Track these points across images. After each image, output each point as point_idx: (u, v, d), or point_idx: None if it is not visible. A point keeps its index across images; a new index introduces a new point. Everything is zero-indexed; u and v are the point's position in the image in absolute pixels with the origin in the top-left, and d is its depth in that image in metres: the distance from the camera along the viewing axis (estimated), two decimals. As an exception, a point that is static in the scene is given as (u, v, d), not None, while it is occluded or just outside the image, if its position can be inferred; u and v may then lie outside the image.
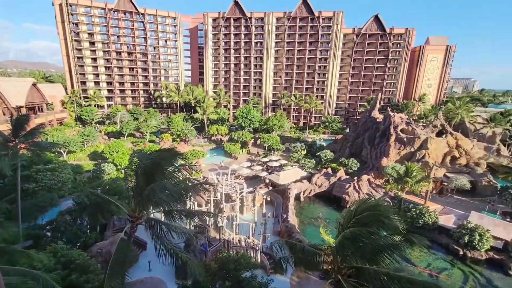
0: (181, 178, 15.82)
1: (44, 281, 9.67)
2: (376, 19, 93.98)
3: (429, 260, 29.18)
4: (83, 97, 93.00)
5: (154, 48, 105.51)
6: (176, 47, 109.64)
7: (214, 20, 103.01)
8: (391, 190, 39.37)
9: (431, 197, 40.71)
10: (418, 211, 33.12)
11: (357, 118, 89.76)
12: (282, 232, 31.39)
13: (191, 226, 28.29)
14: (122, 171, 44.05)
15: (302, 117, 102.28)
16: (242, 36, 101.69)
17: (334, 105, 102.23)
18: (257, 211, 36.07)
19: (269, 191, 43.15)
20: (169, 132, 70.65)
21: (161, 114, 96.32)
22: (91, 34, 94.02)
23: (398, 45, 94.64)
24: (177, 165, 15.59)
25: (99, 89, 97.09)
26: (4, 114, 60.33)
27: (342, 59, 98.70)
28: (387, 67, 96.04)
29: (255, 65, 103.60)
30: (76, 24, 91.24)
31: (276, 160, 56.30)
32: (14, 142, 23.82)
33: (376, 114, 59.96)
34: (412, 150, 48.48)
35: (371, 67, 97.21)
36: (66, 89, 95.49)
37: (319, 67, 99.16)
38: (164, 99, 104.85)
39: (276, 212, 37.64)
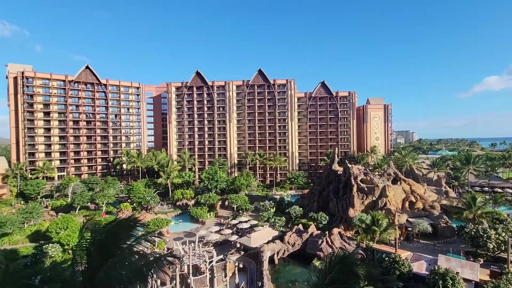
0: (142, 253, 14.16)
1: None
2: (323, 84, 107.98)
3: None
4: (30, 169, 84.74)
5: (116, 116, 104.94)
6: (139, 114, 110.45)
7: (178, 88, 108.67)
8: (362, 241, 39.41)
9: (400, 244, 41.42)
10: (391, 259, 33.06)
11: (320, 171, 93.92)
12: (258, 303, 28.33)
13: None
14: (70, 251, 38.15)
15: (268, 174, 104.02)
16: (205, 102, 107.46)
17: (297, 161, 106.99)
18: (230, 281, 32.74)
19: (241, 256, 40.18)
20: (129, 200, 65.52)
21: (121, 182, 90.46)
22: (46, 105, 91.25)
23: (345, 105, 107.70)
24: (137, 236, 14.10)
25: (50, 160, 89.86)
26: None
27: (299, 119, 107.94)
28: (338, 124, 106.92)
29: (219, 128, 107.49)
30: (31, 96, 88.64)
31: (246, 221, 54.19)
32: None
33: (336, 167, 63.59)
34: (374, 198, 50.85)
35: (325, 124, 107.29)
36: (9, 162, 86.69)
37: (279, 126, 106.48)
38: (124, 165, 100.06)
39: (250, 279, 34.50)
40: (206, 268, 30.98)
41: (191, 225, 58.43)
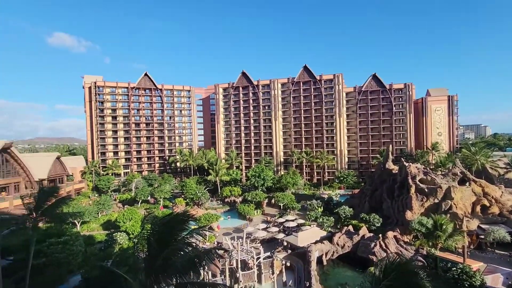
0: (194, 245, 15.12)
1: None
2: (375, 77, 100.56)
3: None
4: (102, 166, 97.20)
5: (170, 118, 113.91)
6: (190, 115, 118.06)
7: (224, 89, 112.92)
8: (422, 247, 35.73)
9: (469, 253, 36.44)
10: (459, 270, 29.28)
11: (372, 170, 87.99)
12: (306, 304, 27.86)
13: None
14: (134, 241, 42.68)
15: (315, 173, 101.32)
16: (251, 101, 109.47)
17: (346, 159, 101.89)
18: (277, 279, 32.86)
19: (288, 255, 39.99)
20: (183, 196, 70.47)
21: (175, 179, 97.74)
22: (114, 110, 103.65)
23: (400, 98, 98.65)
24: (190, 229, 15.10)
25: (117, 158, 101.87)
26: (26, 188, 62.81)
27: (347, 115, 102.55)
28: (393, 119, 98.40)
29: (265, 126, 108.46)
30: (102, 102, 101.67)
31: (292, 220, 53.70)
32: (35, 215, 24.05)
33: (390, 165, 58.82)
34: (436, 201, 45.64)
35: (377, 120, 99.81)
36: (86, 160, 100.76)
37: (326, 123, 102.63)
38: (178, 163, 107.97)
39: (298, 278, 34.11)
40: (254, 264, 31.62)
41: (239, 221, 60.25)
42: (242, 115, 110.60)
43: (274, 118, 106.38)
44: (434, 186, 47.17)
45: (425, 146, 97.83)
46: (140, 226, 44.14)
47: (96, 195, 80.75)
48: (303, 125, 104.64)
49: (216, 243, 44.97)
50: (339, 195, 78.00)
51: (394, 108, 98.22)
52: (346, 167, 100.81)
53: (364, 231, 43.91)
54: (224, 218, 61.75)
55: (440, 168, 74.80)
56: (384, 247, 38.35)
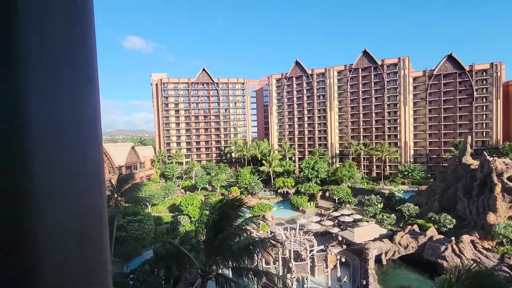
0: (249, 232, 15.76)
1: None
2: (450, 58, 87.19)
3: None
4: (167, 156, 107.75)
5: (225, 110, 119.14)
6: (244, 107, 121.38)
7: (278, 80, 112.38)
8: (508, 256, 30.40)
9: None
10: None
11: (444, 165, 77.69)
12: (362, 302, 26.63)
13: (259, 286, 26.70)
14: (195, 224, 46.55)
15: (375, 166, 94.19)
16: (304, 91, 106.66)
17: (412, 152, 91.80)
18: (331, 273, 32.09)
19: (343, 250, 38.59)
20: (237, 185, 73.59)
21: (230, 168, 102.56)
22: (176, 104, 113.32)
23: (484, 81, 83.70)
24: (244, 218, 15.76)
25: (180, 149, 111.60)
26: (109, 172, 73.78)
27: (414, 103, 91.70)
28: (473, 107, 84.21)
29: (319, 117, 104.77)
30: (166, 97, 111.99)
31: (348, 215, 51.37)
32: (116, 196, 28.28)
33: (468, 159, 51.01)
34: (531, 203, 38.02)
35: (453, 108, 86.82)
36: (155, 150, 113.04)
37: (389, 113, 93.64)
38: (233, 154, 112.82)
39: (353, 276, 32.73)
40: (307, 256, 31.41)
41: (291, 213, 60.35)
42: (295, 105, 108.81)
43: (329, 108, 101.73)
44: (528, 185, 39.32)
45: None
46: (199, 212, 47.86)
47: (163, 181, 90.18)
48: (361, 115, 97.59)
49: (269, 232, 45.99)
50: (402, 191, 71.22)
51: (475, 93, 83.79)
52: (412, 160, 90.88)
53: (432, 232, 39.47)
54: (277, 208, 62.54)
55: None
56: (458, 252, 33.87)
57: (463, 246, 34.49)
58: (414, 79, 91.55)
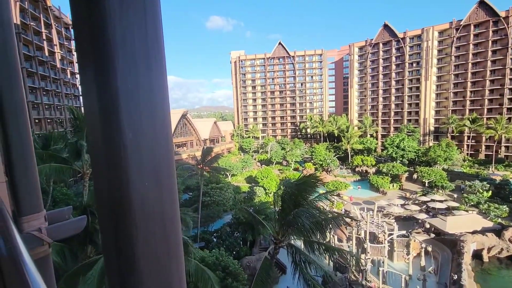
0: (322, 208, 15.74)
1: (210, 278, 12.02)
2: None
3: None
4: (245, 130, 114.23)
5: (301, 84, 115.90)
6: (321, 81, 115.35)
7: (361, 48, 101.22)
8: None
9: None
10: None
11: None
12: (451, 298, 23.71)
13: (330, 262, 26.85)
14: (270, 195, 49.09)
15: (484, 147, 77.24)
16: (393, 59, 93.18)
17: (544, 130, 70.72)
18: (413, 261, 29.38)
19: (430, 239, 34.41)
20: (312, 161, 72.81)
21: (305, 144, 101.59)
22: (253, 80, 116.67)
23: None
24: (319, 193, 15.75)
25: (256, 124, 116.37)
26: (196, 145, 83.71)
27: (555, 65, 68.72)
28: None
29: (410, 88, 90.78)
30: (244, 74, 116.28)
31: (441, 201, 44.78)
32: (202, 165, 32.27)
33: None
34: None
35: None
36: (234, 125, 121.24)
37: (511, 79, 73.32)
38: (308, 130, 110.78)
39: (441, 269, 29.12)
40: (385, 239, 29.42)
41: (370, 193, 56.63)
42: (380, 76, 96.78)
43: (425, 77, 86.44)
44: None
45: None
46: (277, 185, 50.01)
47: (241, 154, 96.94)
48: (469, 84, 79.62)
49: (343, 210, 44.68)
50: (522, 179, 57.00)
51: None
52: (542, 141, 70.41)
53: None
54: (354, 187, 59.54)
55: None
56: None
57: None
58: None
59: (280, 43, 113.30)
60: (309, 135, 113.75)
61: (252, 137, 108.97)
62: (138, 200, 0.68)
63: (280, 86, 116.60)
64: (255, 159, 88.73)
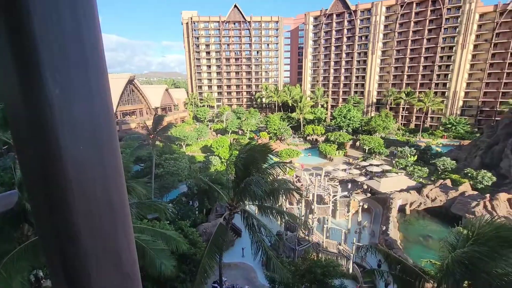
0: (274, 176, 16.56)
1: (175, 241, 12.09)
2: (536, -13, 70.22)
3: None
4: (199, 99, 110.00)
5: (257, 52, 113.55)
6: (277, 49, 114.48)
7: (316, 18, 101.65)
8: (549, 218, 28.86)
9: None
10: None
11: (496, 119, 70.11)
12: (380, 245, 28.13)
13: (282, 222, 29.14)
14: (225, 164, 49.68)
15: (414, 117, 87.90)
16: (345, 31, 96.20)
17: (461, 103, 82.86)
18: (352, 217, 33.61)
19: (367, 198, 39.43)
20: (267, 130, 74.62)
21: (260, 114, 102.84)
22: (207, 45, 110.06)
23: None
24: (271, 162, 16.42)
25: (211, 92, 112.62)
26: (146, 113, 78.39)
27: (475, 46, 78.89)
28: (551, 51, 70.45)
29: (358, 61, 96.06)
30: (197, 38, 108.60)
31: (377, 165, 50.79)
32: (153, 135, 30.58)
33: (527, 114, 45.17)
34: None
35: (523, 52, 73.48)
36: (187, 92, 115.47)
37: (441, 57, 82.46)
38: (263, 99, 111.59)
39: (374, 222, 34.02)
40: (330, 200, 32.77)
41: (319, 160, 61.15)
42: (333, 48, 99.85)
43: (371, 51, 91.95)
44: None
45: None
46: (229, 152, 50.43)
47: (196, 123, 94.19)
48: (407, 60, 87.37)
49: (295, 176, 47.79)
50: (440, 145, 67.33)
51: (558, 33, 69.02)
52: (458, 113, 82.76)
53: (466, 187, 38.15)
54: (305, 155, 63.50)
55: None
56: (490, 209, 32.86)
57: (498, 204, 33.19)
58: (480, 16, 76.93)
59: (235, 6, 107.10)
60: (264, 104, 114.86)
61: (207, 106, 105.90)
62: (73, 166, 0.60)
63: (235, 53, 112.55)
64: (210, 128, 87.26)
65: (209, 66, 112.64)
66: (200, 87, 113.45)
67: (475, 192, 37.20)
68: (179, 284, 16.20)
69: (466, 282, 9.38)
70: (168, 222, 21.10)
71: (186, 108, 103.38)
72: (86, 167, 0.62)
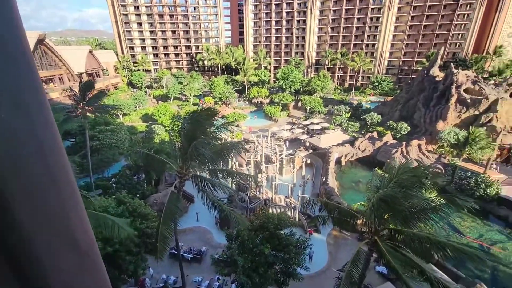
0: (222, 139, 16.59)
1: (116, 225, 11.35)
2: (448, -47, 77.59)
3: (481, 231, 27.22)
4: (133, 62, 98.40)
5: (195, 8, 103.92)
6: (216, 6, 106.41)
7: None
8: (444, 156, 36.07)
9: (496, 166, 36.43)
10: (476, 180, 30.14)
11: (413, 77, 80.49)
12: (321, 194, 31.75)
13: (233, 184, 30.15)
14: (169, 133, 47.38)
15: (348, 77, 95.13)
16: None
17: (386, 62, 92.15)
18: (296, 173, 36.58)
19: (309, 154, 42.97)
20: (211, 95, 72.39)
21: (203, 77, 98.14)
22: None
23: (474, -15, 78.17)
24: (218, 125, 16.26)
25: (146, 54, 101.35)
26: (69, 80, 67.50)
27: (399, 8, 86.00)
28: (456, 14, 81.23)
29: (298, 21, 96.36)
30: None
31: (317, 123, 54.84)
32: (82, 105, 26.74)
33: (435, 71, 52.90)
34: (476, 113, 42.67)
35: (436, 15, 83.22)
36: (117, 55, 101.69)
37: (371, 19, 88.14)
38: (205, 62, 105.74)
39: (316, 175, 37.76)
40: (277, 159, 34.80)
41: (264, 122, 62.93)
42: (273, 6, 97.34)
43: (310, 10, 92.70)
44: (479, 97, 43.08)
45: (485, 51, 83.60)
46: (170, 124, 47.99)
47: (132, 90, 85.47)
48: (342, 21, 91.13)
49: (243, 139, 48.72)
50: (370, 102, 75.39)
51: (461, -1, 79.29)
52: (384, 72, 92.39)
53: (388, 137, 44.34)
54: (251, 118, 64.45)
55: (494, 78, 66.44)
56: (405, 154, 39.32)
57: (410, 149, 39.88)
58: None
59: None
60: (206, 67, 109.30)
61: (143, 70, 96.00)
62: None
63: (169, 8, 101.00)
64: (149, 95, 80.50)
65: (140, 24, 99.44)
66: (131, 48, 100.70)
67: (395, 141, 43.77)
68: (133, 257, 15.95)
69: (386, 214, 11.48)
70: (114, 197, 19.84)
71: (118, 73, 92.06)
72: (15, 140, 0.53)
